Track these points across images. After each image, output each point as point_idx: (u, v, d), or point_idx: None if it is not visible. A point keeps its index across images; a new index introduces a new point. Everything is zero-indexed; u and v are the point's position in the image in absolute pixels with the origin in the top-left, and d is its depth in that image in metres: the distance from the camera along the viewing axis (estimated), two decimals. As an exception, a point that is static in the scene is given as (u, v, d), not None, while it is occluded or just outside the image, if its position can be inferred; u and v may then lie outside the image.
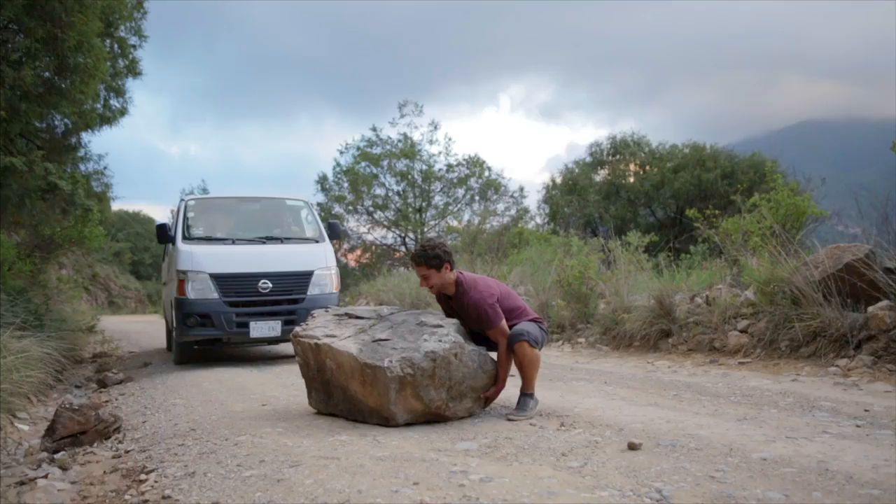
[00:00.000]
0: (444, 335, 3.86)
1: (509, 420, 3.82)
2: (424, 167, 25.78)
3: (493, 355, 4.12)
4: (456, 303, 4.12)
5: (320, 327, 4.18)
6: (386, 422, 3.73)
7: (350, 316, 4.33)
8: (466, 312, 4.05)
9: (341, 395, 3.99)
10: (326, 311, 4.47)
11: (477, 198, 26.81)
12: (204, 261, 7.39)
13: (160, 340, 11.42)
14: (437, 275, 4.00)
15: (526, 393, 4.01)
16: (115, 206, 21.48)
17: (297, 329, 4.29)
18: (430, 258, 3.97)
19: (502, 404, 4.23)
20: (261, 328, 7.33)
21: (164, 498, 2.69)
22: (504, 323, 3.99)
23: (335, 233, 8.46)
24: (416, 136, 25.77)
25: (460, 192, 26.63)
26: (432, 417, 3.81)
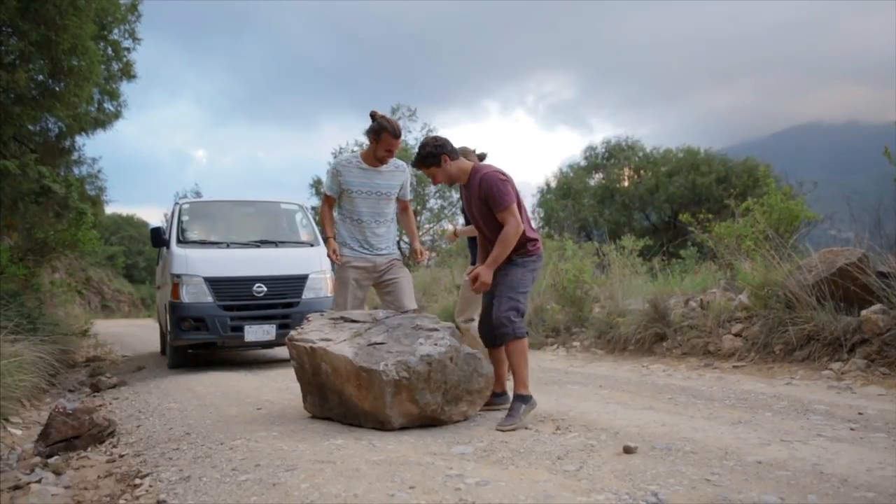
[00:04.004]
0: (439, 339, 3.85)
1: (499, 431, 3.63)
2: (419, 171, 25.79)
3: (487, 359, 4.11)
4: (467, 190, 4.06)
5: (315, 331, 4.17)
6: (381, 426, 3.72)
7: (345, 320, 4.31)
8: (477, 194, 3.94)
9: (337, 399, 3.98)
10: (322, 315, 4.47)
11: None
12: (198, 264, 7.36)
13: (154, 344, 11.38)
14: (441, 170, 3.97)
15: (519, 394, 3.83)
16: (109, 210, 21.42)
17: (293, 333, 4.28)
18: (424, 158, 3.96)
19: (502, 406, 4.22)
20: (255, 332, 7.30)
21: (158, 502, 2.68)
22: (515, 207, 3.87)
23: None
24: (410, 140, 25.77)
25: (455, 195, 26.65)
26: (428, 421, 3.80)
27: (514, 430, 3.62)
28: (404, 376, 3.61)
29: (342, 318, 4.34)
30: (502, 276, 3.97)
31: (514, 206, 3.86)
